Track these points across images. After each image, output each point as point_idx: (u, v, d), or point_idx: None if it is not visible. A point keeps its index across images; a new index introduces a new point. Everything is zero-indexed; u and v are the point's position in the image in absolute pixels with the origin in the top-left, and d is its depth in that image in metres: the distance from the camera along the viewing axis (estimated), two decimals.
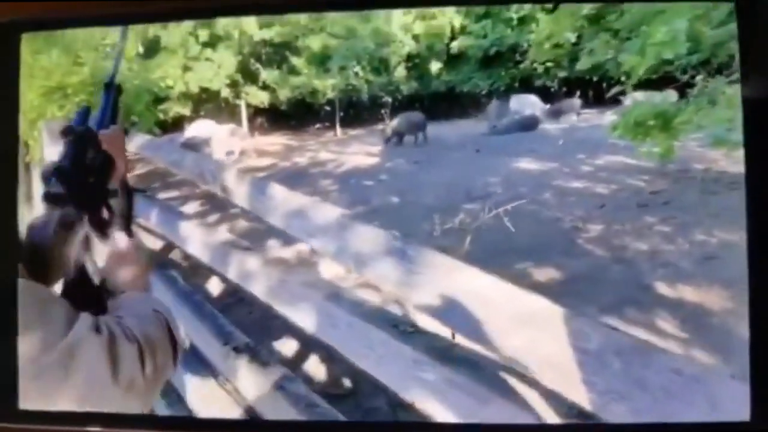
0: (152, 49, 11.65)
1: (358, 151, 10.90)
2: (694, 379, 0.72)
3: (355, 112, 14.90)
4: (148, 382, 0.74)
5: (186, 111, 12.65)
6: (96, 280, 0.87)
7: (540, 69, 10.41)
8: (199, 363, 1.74)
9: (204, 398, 1.63)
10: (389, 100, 15.61)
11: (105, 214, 0.89)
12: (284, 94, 13.33)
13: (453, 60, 14.18)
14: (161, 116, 11.35)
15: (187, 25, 11.10)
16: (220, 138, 10.90)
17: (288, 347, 2.61)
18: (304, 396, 1.18)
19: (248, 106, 14.00)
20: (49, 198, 0.85)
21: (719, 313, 3.33)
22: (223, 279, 1.45)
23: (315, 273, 1.11)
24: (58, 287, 0.88)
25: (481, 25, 12.46)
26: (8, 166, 0.93)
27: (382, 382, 0.84)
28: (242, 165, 10.24)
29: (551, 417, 0.68)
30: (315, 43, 13.11)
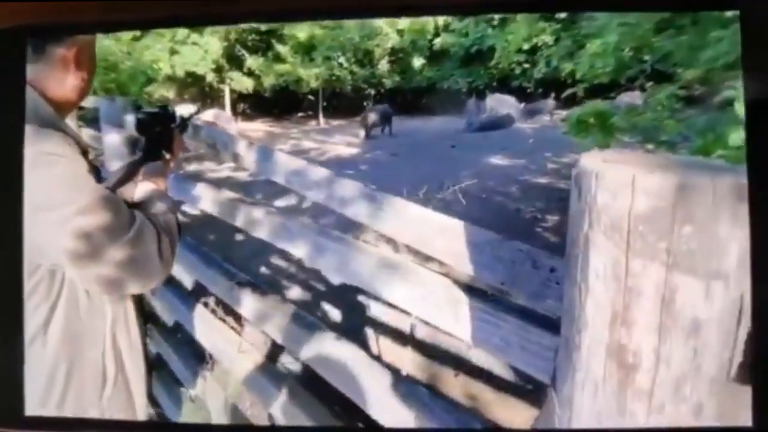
0: (140, 31, 11.79)
1: (339, 141, 11.18)
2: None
3: (338, 102, 15.16)
4: (167, 258, 1.11)
5: (170, 94, 12.78)
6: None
7: (518, 69, 10.82)
8: (198, 295, 2.13)
9: (208, 329, 2.01)
10: (372, 92, 15.88)
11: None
12: (268, 82, 13.55)
13: (435, 56, 14.48)
14: (146, 98, 11.48)
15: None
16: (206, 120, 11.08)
17: (285, 276, 3.27)
18: (298, 314, 1.57)
19: (232, 91, 14.17)
20: (139, 121, 1.30)
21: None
22: (229, 228, 1.80)
23: (309, 217, 1.41)
24: None
25: (464, 24, 12.72)
26: (13, 169, 0.90)
27: (356, 285, 1.21)
28: None
29: (444, 281, 0.96)
30: (301, 32, 13.31)
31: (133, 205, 1.08)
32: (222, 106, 14.01)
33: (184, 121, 1.43)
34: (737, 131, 1.54)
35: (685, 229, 0.55)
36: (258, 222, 1.63)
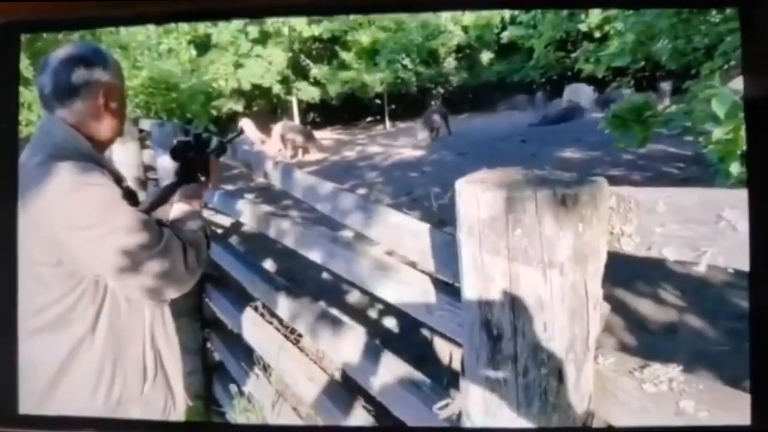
0: (203, 46, 12.53)
1: (405, 143, 11.39)
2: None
3: (405, 104, 15.39)
4: (192, 267, 1.26)
5: (239, 107, 13.46)
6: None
7: (592, 59, 10.61)
8: (247, 299, 2.45)
9: (251, 325, 2.33)
10: (440, 91, 15.99)
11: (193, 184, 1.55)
12: (334, 89, 13.97)
13: (504, 50, 14.39)
14: (214, 113, 12.15)
15: (237, 22, 11.82)
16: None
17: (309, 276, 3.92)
18: (322, 309, 1.85)
19: (300, 101, 14.72)
20: (173, 149, 1.53)
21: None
22: (266, 239, 2.08)
23: (321, 226, 1.64)
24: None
25: (531, 15, 12.58)
26: (7, 166, 0.94)
27: (352, 280, 1.44)
28: (296, 160, 10.94)
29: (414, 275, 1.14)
30: (364, 37, 13.64)
31: (169, 224, 1.35)
32: (291, 117, 14.54)
33: (222, 145, 1.69)
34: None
35: (517, 231, 0.76)
36: (285, 232, 1.91)
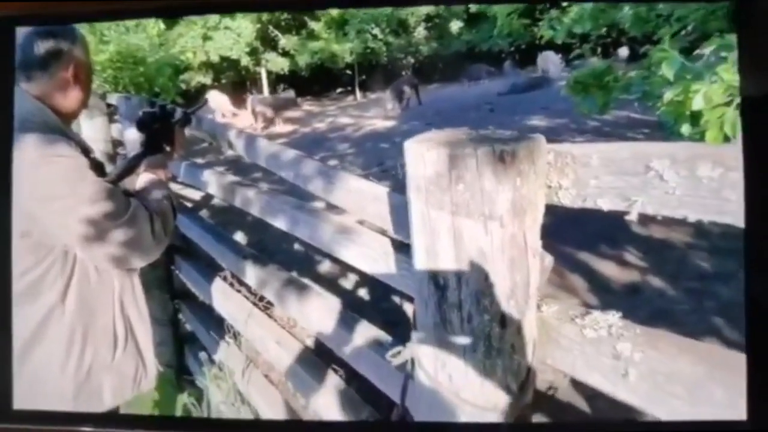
0: (171, 20, 12.20)
1: (376, 114, 11.36)
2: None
3: (376, 75, 15.30)
4: (159, 236, 1.28)
5: (207, 80, 13.24)
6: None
7: (561, 28, 10.62)
8: (216, 269, 2.47)
9: (220, 295, 2.35)
10: (411, 61, 15.90)
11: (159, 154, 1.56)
12: (303, 60, 13.80)
13: (473, 19, 14.34)
14: (183, 86, 11.98)
15: None
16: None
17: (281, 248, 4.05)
18: (288, 275, 1.88)
19: (269, 73, 14.53)
20: (138, 121, 1.56)
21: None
22: (237, 212, 2.09)
23: (285, 193, 1.65)
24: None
25: None
26: (2, 153, 0.96)
27: (319, 247, 1.46)
28: (266, 132, 10.84)
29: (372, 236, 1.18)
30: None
31: (134, 194, 1.36)
32: (261, 89, 14.36)
33: (187, 115, 1.69)
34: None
35: (459, 187, 0.79)
36: (251, 201, 1.92)
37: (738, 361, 0.76)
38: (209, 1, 1.26)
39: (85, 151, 1.27)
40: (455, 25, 15.17)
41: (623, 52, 10.36)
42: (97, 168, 1.29)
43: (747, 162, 0.67)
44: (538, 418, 1.06)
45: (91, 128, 3.29)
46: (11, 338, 1.04)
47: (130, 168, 1.53)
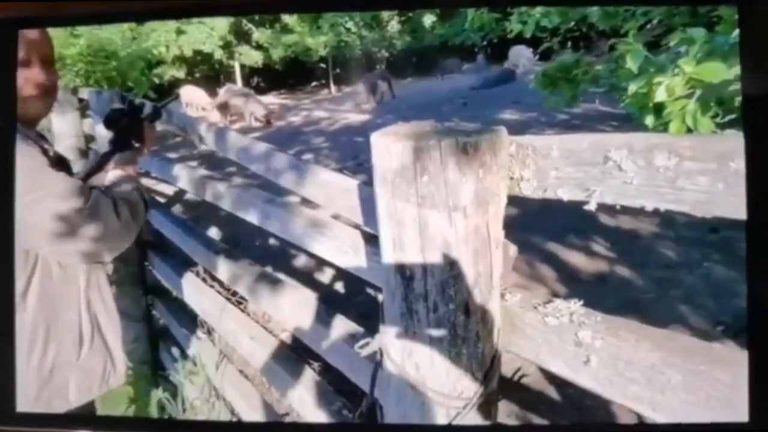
0: None
1: (350, 108, 11.34)
2: None
3: (350, 68, 15.26)
4: (126, 221, 1.26)
5: (181, 74, 13.05)
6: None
7: (530, 22, 10.69)
8: (189, 265, 2.44)
9: (193, 290, 2.33)
10: (385, 54, 15.88)
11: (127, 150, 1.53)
12: (277, 53, 13.69)
13: (446, 13, 14.35)
14: (156, 80, 11.78)
15: None
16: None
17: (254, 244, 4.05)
18: (260, 270, 1.87)
19: (243, 66, 14.39)
20: (105, 119, 1.53)
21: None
22: (210, 207, 2.07)
23: (257, 188, 1.63)
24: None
25: None
26: (4, 157, 0.96)
27: (290, 240, 1.45)
28: (238, 126, 10.72)
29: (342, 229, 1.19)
30: None
31: (103, 190, 1.34)
32: (234, 82, 14.19)
33: (156, 110, 1.66)
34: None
35: (424, 178, 0.80)
36: (221, 195, 1.90)
37: (693, 345, 0.78)
38: (214, 3, 1.22)
39: (44, 149, 1.25)
40: (428, 19, 15.18)
41: (603, 45, 10.46)
42: (59, 163, 1.28)
43: (748, 162, 0.66)
44: (505, 405, 1.08)
45: (63, 123, 3.21)
46: (14, 340, 1.01)
47: (99, 165, 1.51)
